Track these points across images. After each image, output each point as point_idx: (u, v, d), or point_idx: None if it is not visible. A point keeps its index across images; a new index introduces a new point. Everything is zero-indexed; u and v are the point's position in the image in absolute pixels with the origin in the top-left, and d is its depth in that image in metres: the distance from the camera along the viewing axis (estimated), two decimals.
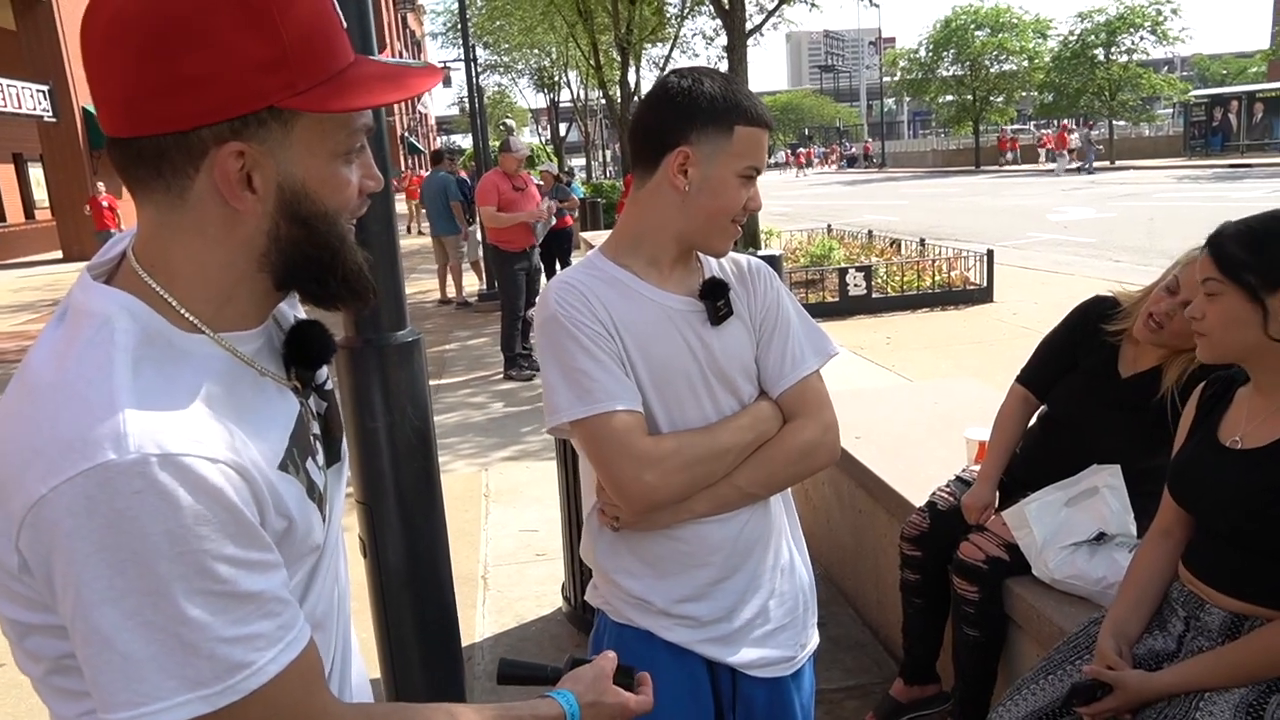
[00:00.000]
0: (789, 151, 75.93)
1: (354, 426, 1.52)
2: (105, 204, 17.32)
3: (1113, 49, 35.82)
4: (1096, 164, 33.49)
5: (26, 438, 0.73)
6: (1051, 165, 37.23)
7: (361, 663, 1.10)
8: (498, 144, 9.16)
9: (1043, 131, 43.09)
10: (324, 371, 1.00)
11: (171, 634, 0.72)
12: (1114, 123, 37.21)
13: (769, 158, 1.50)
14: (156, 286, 0.82)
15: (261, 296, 0.88)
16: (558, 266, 10.40)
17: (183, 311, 0.83)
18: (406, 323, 1.53)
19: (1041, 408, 2.60)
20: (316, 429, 0.96)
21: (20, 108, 19.42)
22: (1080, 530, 2.25)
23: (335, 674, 0.97)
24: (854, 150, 69.67)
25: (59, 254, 21.74)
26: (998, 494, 2.53)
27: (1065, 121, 34.97)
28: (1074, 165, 33.55)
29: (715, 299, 1.47)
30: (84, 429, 0.72)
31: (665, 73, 1.49)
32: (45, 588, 0.74)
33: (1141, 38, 35.31)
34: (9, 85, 18.90)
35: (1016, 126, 58.78)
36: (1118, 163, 35.22)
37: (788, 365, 1.52)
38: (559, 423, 1.41)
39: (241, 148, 0.79)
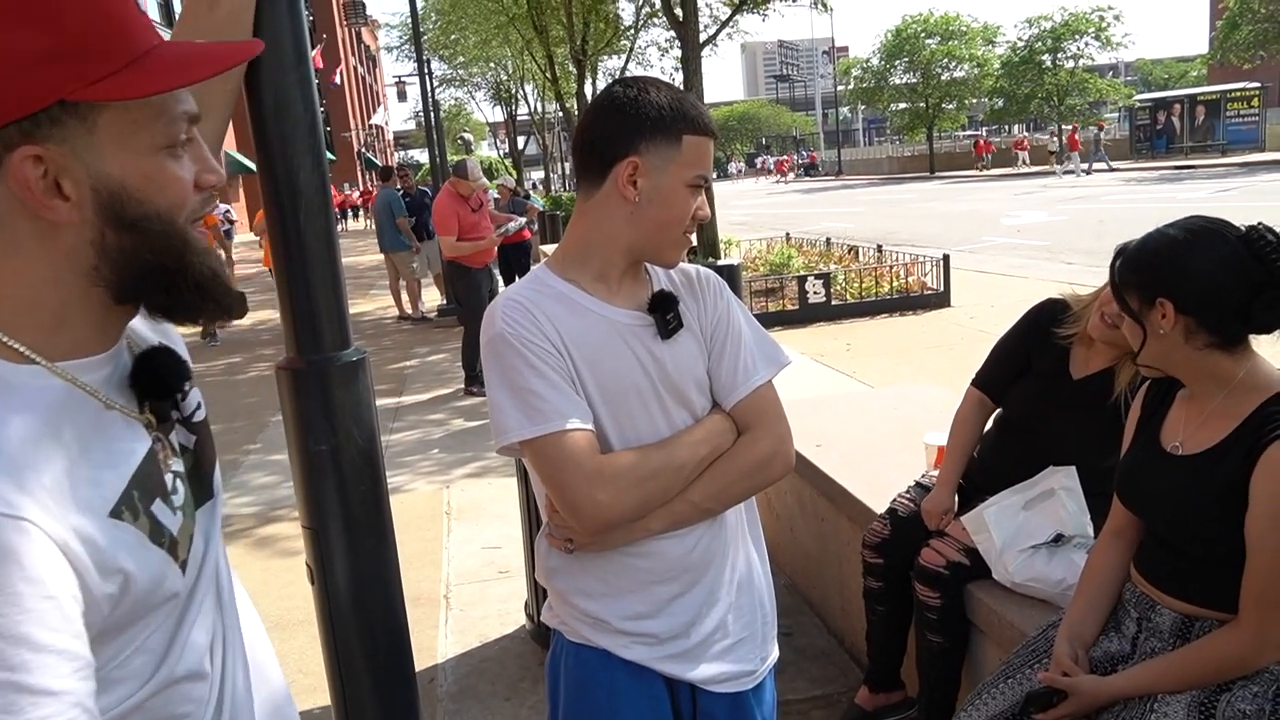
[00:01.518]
0: (766, 159, 76.58)
1: (298, 450, 1.48)
2: None
3: (1059, 55, 36.66)
4: (1096, 166, 33.03)
5: None
6: (1030, 168, 37.05)
7: (279, 696, 1.04)
8: (454, 159, 9.11)
9: (1026, 135, 43.10)
10: (193, 400, 0.92)
11: None
12: (1062, 127, 38.00)
13: (740, 166, 1.48)
14: None
15: (101, 316, 0.81)
16: (516, 279, 10.36)
17: (9, 341, 0.75)
18: (350, 342, 1.50)
19: (997, 411, 2.61)
20: (180, 465, 0.88)
21: None
22: (1038, 533, 2.26)
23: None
24: (811, 159, 70.42)
25: None
26: (957, 498, 2.53)
27: (1075, 123, 35.03)
28: (1082, 166, 32.91)
29: (664, 312, 1.44)
30: None
31: (610, 83, 1.47)
32: None
33: (1086, 44, 36.25)
34: None
35: (969, 132, 59.78)
36: (1050, 166, 36.05)
37: (740, 376, 1.49)
38: (508, 442, 1.38)
39: (37, 150, 0.72)
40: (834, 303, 9.84)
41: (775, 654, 1.64)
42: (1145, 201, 19.80)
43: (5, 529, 0.66)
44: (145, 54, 0.76)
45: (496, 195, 10.68)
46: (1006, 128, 59.87)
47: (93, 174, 0.75)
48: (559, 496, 1.38)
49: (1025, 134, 43.22)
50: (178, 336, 0.97)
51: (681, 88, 1.43)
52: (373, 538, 1.52)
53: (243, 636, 0.98)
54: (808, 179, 59.55)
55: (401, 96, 36.75)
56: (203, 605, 0.88)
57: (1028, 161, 39.48)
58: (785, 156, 73.38)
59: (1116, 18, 35.57)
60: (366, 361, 1.50)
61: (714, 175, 1.50)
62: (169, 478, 0.85)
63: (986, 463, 2.57)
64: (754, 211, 29.62)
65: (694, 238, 1.48)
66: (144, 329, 0.90)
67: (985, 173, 39.60)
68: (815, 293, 9.78)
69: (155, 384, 0.85)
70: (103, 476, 0.77)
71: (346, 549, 1.48)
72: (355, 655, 1.52)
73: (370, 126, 52.54)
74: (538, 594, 3.36)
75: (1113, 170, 31.77)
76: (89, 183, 0.75)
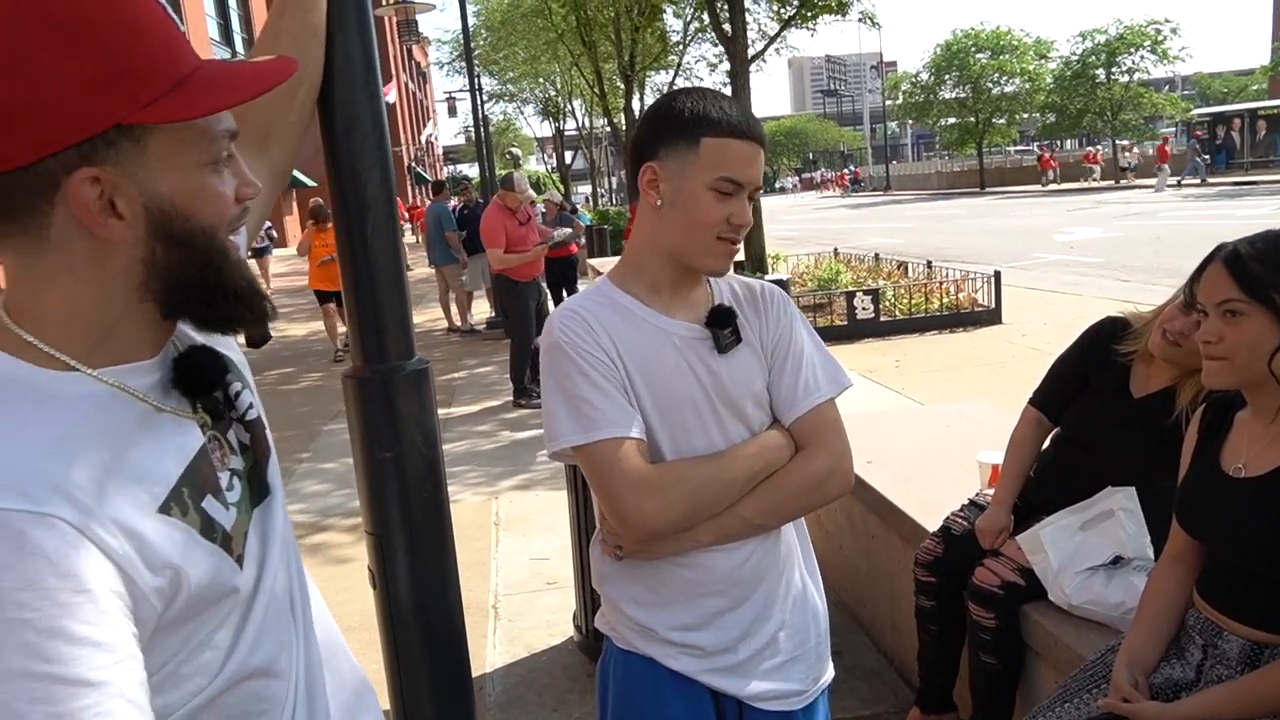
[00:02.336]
0: (828, 172, 76.56)
1: (362, 457, 1.52)
2: None
3: (1113, 69, 35.99)
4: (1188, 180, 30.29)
5: None
6: (1099, 184, 35.40)
7: (359, 685, 1.06)
8: (502, 174, 9.20)
9: (1098, 149, 40.89)
10: (246, 400, 0.95)
11: None
12: (1116, 141, 37.29)
13: (794, 181, 1.47)
14: (21, 332, 0.77)
15: (149, 328, 0.83)
16: (564, 294, 10.43)
17: (52, 352, 0.78)
18: (414, 351, 1.53)
19: (1055, 430, 2.58)
20: (239, 463, 0.90)
21: None
22: (1096, 554, 2.22)
23: None
24: (858, 172, 70.11)
25: None
26: (1012, 518, 2.50)
27: (1165, 134, 33.40)
28: (1171, 180, 30.26)
29: (722, 326, 1.44)
30: None
31: None
32: None
33: (1142, 57, 35.52)
34: None
35: (1020, 147, 58.89)
36: (1120, 181, 35.22)
37: (800, 393, 1.48)
38: (559, 448, 1.40)
39: (95, 173, 0.74)
40: (883, 319, 9.75)
41: (829, 675, 1.62)
42: (1204, 218, 19.35)
43: (31, 526, 0.67)
44: (190, 75, 0.78)
45: (543, 210, 10.77)
46: (1059, 143, 58.97)
47: (144, 193, 0.77)
48: (607, 504, 1.39)
49: (1097, 148, 41.03)
50: (230, 341, 0.99)
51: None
52: (434, 545, 1.55)
53: (318, 635, 1.00)
54: (855, 194, 59.23)
55: (452, 112, 37.32)
56: (270, 602, 0.89)
57: (1099, 177, 37.88)
58: (839, 174, 73.47)
59: (1174, 30, 34.85)
60: (430, 371, 1.53)
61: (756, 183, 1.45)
62: (225, 475, 0.88)
63: (1043, 482, 2.53)
64: (801, 226, 29.50)
65: (738, 245, 1.44)
66: (194, 335, 0.92)
67: (1050, 188, 38.03)
68: (864, 308, 9.71)
69: (194, 381, 0.87)
70: (150, 474, 0.79)
71: (408, 555, 1.51)
72: (415, 660, 1.54)
73: (421, 142, 53.41)
74: (587, 606, 3.37)
75: (1205, 184, 29.40)
76: (141, 201, 0.77)
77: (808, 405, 1.47)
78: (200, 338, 0.92)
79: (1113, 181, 35.66)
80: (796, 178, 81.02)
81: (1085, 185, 36.97)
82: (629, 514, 1.36)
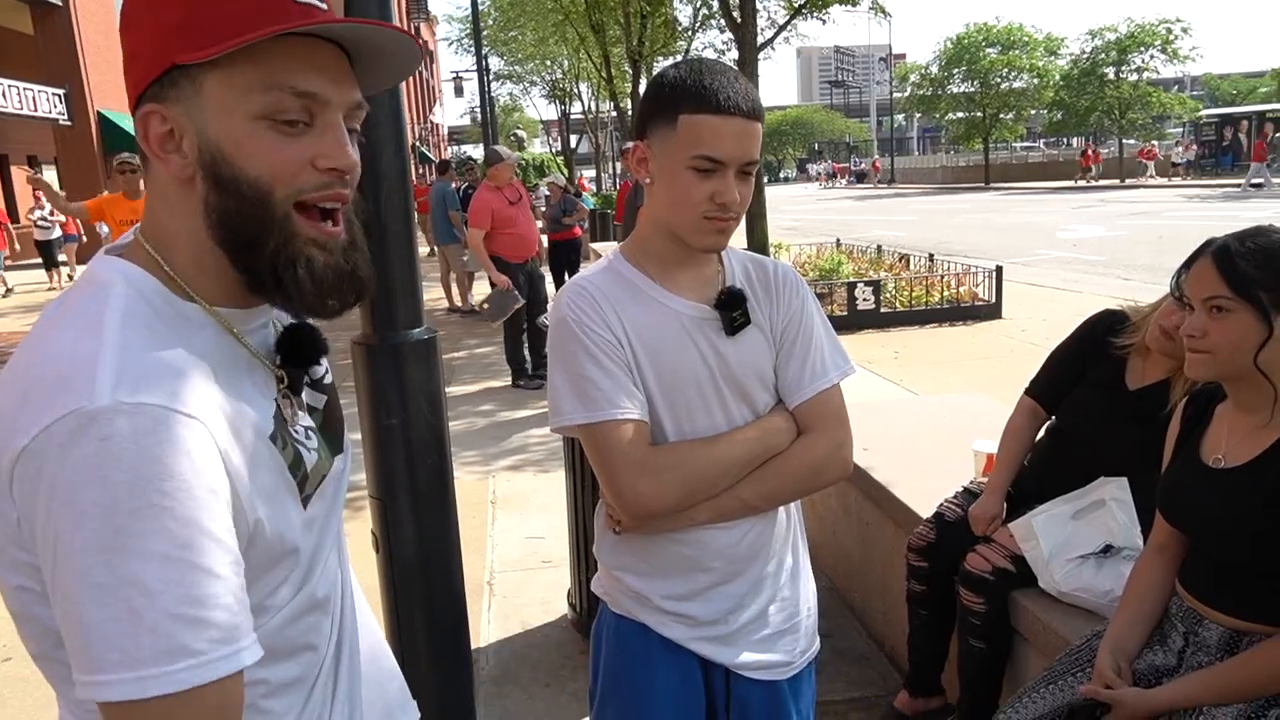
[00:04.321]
0: (833, 163, 76.45)
1: (370, 423, 1.54)
2: None
3: (1123, 67, 35.77)
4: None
5: (20, 389, 0.74)
6: (1154, 181, 33.86)
7: (379, 651, 1.11)
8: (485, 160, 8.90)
9: (1154, 144, 38.50)
10: (322, 365, 1.00)
11: (120, 598, 0.67)
12: (1123, 141, 37.09)
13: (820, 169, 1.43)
14: (155, 255, 0.84)
15: (231, 275, 0.86)
16: (566, 277, 10.41)
17: (177, 278, 0.84)
18: (423, 321, 1.55)
19: (1050, 420, 2.60)
20: (310, 421, 0.95)
21: (36, 110, 19.60)
22: (1087, 543, 2.25)
23: (331, 659, 0.97)
24: (863, 166, 69.91)
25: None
26: (1005, 506, 2.53)
27: (1267, 125, 30.77)
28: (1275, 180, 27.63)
29: (731, 309, 1.44)
30: (67, 378, 0.72)
31: None
32: (33, 543, 0.72)
33: (1152, 56, 35.28)
34: (25, 89, 19.08)
35: (1026, 143, 58.62)
36: (1127, 181, 35.01)
37: (807, 377, 1.49)
38: (561, 425, 1.42)
39: (157, 109, 0.82)
40: (883, 310, 9.76)
41: (815, 648, 1.65)
42: (1208, 219, 19.33)
43: (180, 424, 0.73)
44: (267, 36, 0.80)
45: (547, 193, 10.74)
46: (1065, 140, 58.75)
47: (199, 133, 0.82)
48: (605, 482, 1.42)
49: (1154, 144, 38.54)
50: None
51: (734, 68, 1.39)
52: (438, 510, 1.57)
53: (353, 585, 1.06)
54: (859, 186, 59.05)
55: (458, 92, 37.10)
56: (330, 543, 0.95)
57: (1154, 173, 36.38)
58: (846, 165, 73.49)
59: (1185, 30, 34.60)
60: (437, 341, 1.55)
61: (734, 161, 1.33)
62: (299, 429, 0.93)
63: (1037, 471, 2.56)
64: (804, 217, 29.44)
65: (729, 222, 1.39)
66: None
67: (1094, 184, 36.33)
68: (865, 299, 9.72)
69: (297, 353, 0.93)
70: (255, 405, 0.85)
71: (412, 519, 1.54)
72: (416, 624, 1.57)
73: (426, 121, 53.17)
74: (582, 584, 3.40)
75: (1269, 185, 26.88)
76: (196, 142, 0.83)
77: (813, 390, 1.48)
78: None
79: (1166, 180, 34.54)
80: (829, 162, 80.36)
81: (1140, 182, 35.03)
82: (625, 495, 1.38)
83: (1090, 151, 37.62)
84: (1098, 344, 2.45)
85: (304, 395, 0.96)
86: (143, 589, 0.68)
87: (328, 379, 1.01)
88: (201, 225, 0.84)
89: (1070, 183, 38.39)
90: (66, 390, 0.71)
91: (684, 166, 1.35)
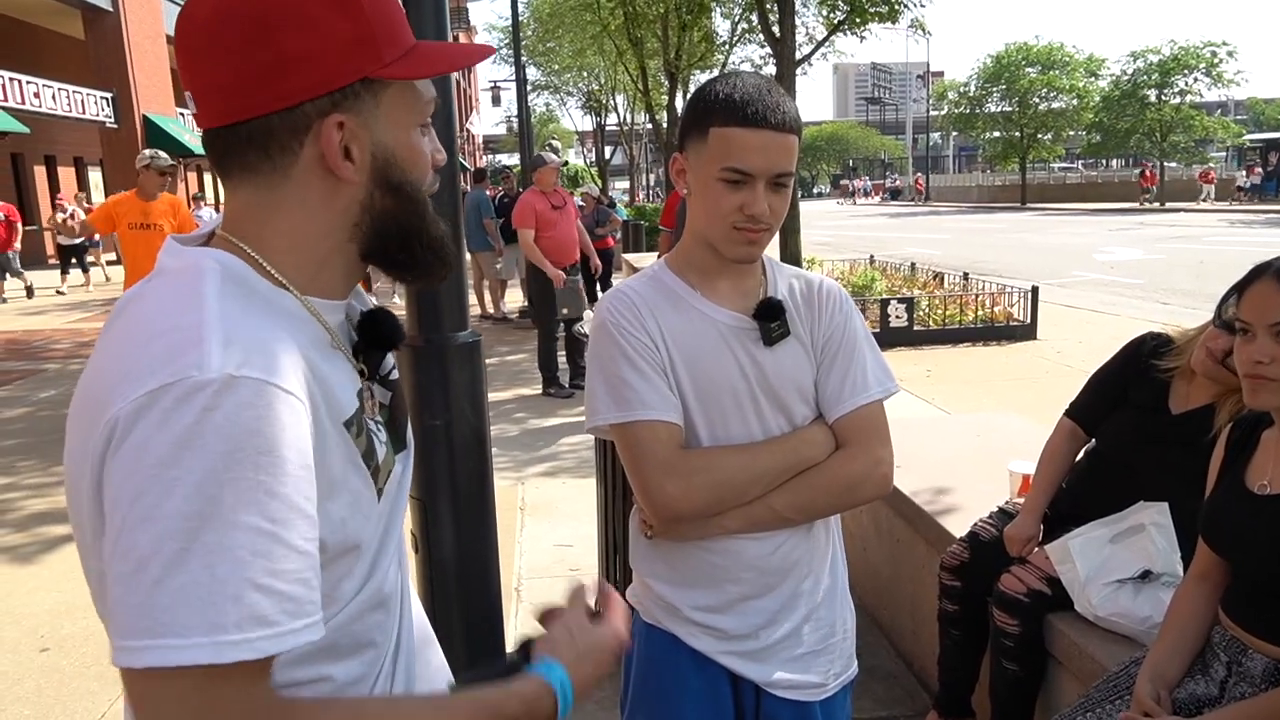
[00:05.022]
0: (863, 181, 76.40)
1: (413, 423, 1.56)
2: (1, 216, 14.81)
3: (1165, 90, 35.31)
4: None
5: (119, 363, 0.75)
6: (1212, 206, 32.59)
7: (431, 651, 1.11)
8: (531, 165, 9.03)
9: (1205, 165, 38.04)
10: (389, 362, 1.03)
11: (205, 564, 0.68)
12: (1165, 165, 36.57)
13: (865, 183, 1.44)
14: (247, 248, 0.86)
15: (350, 267, 0.93)
16: (598, 288, 10.44)
17: (271, 270, 0.86)
18: (468, 324, 1.57)
19: (1090, 443, 2.57)
20: (380, 417, 0.97)
21: (84, 113, 20.03)
22: (1125, 567, 2.22)
23: (390, 659, 0.97)
24: (899, 183, 69.60)
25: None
26: (1041, 527, 2.50)
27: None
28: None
29: (769, 319, 1.45)
30: (171, 349, 0.73)
31: None
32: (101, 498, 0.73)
33: (1195, 79, 34.82)
34: (75, 92, 19.52)
35: (1064, 164, 58.00)
36: (1167, 205, 34.47)
37: (847, 391, 1.48)
38: (595, 425, 1.44)
39: (342, 119, 0.85)
40: (916, 328, 9.69)
41: (853, 672, 1.63)
42: (1250, 245, 19.00)
43: (283, 401, 0.75)
44: (414, 47, 0.90)
45: (581, 203, 10.79)
46: (1104, 162, 58.12)
47: (374, 142, 0.88)
48: (635, 483, 1.43)
49: (1210, 165, 38.07)
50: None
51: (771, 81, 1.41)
52: (478, 512, 1.59)
53: (410, 588, 1.07)
54: (893, 203, 58.75)
55: (495, 101, 37.42)
56: (393, 540, 0.97)
57: (1211, 196, 35.59)
58: (881, 182, 73.61)
59: (1230, 54, 34.13)
60: (481, 345, 1.57)
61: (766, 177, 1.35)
62: (374, 422, 0.94)
63: (1075, 493, 2.53)
64: (838, 233, 29.34)
65: (759, 234, 1.39)
66: (351, 299, 0.99)
67: (1151, 207, 35.14)
68: (897, 317, 9.66)
69: (379, 339, 0.96)
70: (338, 393, 0.87)
71: (453, 521, 1.55)
72: (453, 624, 1.58)
73: (463, 130, 53.70)
74: None
75: None
76: (370, 149, 0.88)
77: (852, 405, 1.47)
78: (355, 301, 0.99)
79: (1228, 203, 33.50)
80: (868, 180, 79.98)
81: (1196, 206, 33.88)
82: (653, 495, 1.39)
83: (1148, 172, 36.89)
84: (1140, 367, 2.42)
85: (375, 390, 0.98)
86: (231, 557, 0.69)
87: (394, 375, 1.03)
88: (343, 225, 0.89)
89: (1111, 205, 37.69)
90: (175, 357, 0.73)
91: (715, 178, 1.37)
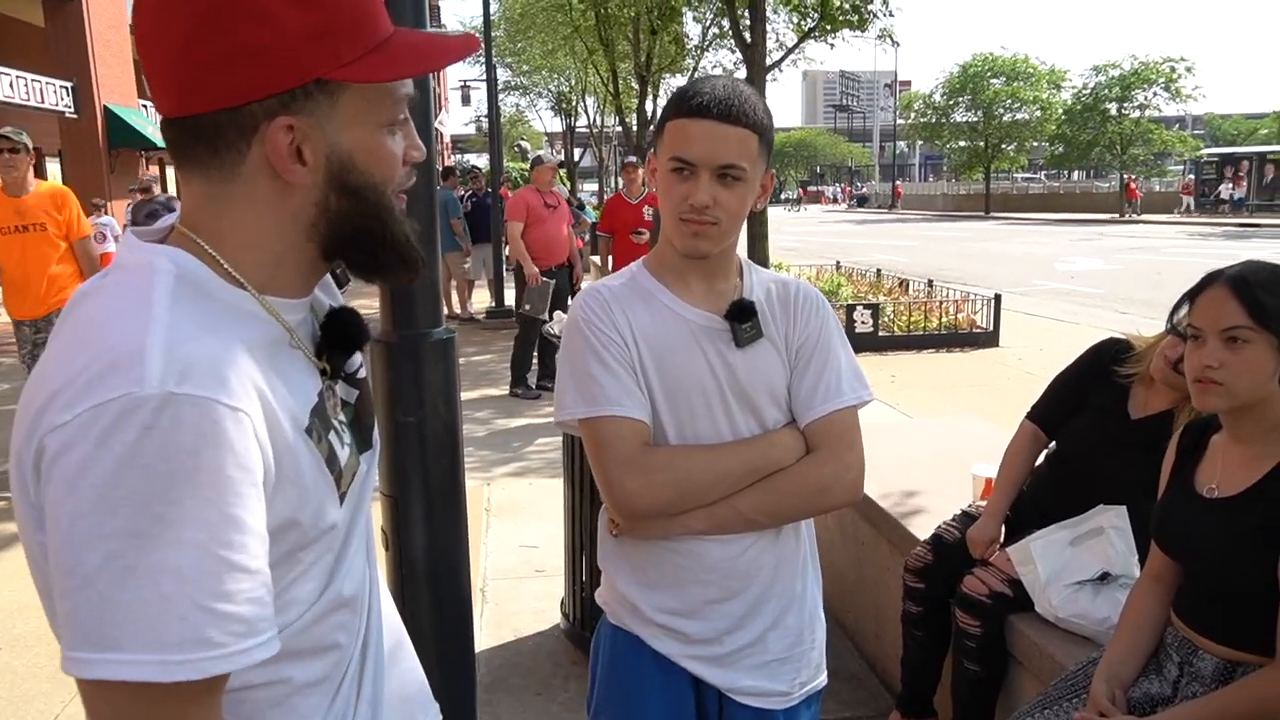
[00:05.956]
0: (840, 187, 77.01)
1: (386, 419, 1.55)
2: None
3: (1125, 103, 35.99)
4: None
5: (63, 368, 0.73)
6: (1193, 219, 32.26)
7: (403, 651, 1.10)
8: (528, 164, 9.03)
9: (1190, 178, 37.95)
10: (356, 359, 1.00)
11: (151, 582, 0.67)
12: (1123, 176, 37.25)
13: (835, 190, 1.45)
14: (204, 244, 0.83)
15: (309, 266, 0.89)
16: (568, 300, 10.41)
17: (228, 268, 0.83)
18: (441, 321, 1.57)
19: (1050, 446, 2.62)
20: (343, 416, 0.95)
21: (43, 103, 19.61)
22: (1085, 569, 2.26)
23: (358, 659, 0.96)
24: (865, 190, 70.24)
25: None
26: (1003, 530, 2.54)
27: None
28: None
29: (741, 320, 1.45)
30: (113, 360, 0.71)
31: None
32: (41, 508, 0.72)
33: (1155, 94, 35.53)
34: (33, 80, 19.11)
35: (1027, 175, 58.88)
36: (1144, 216, 34.85)
37: (819, 397, 1.47)
38: (562, 419, 1.44)
39: (291, 121, 0.80)
40: (881, 334, 9.79)
41: (821, 682, 1.62)
42: (1207, 256, 19.42)
43: (225, 416, 0.72)
44: (387, 40, 0.84)
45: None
46: (1066, 173, 59.03)
47: (329, 145, 0.83)
48: (598, 478, 1.43)
49: (1190, 177, 37.97)
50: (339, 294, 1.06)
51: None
52: (449, 510, 1.58)
53: (380, 582, 1.06)
54: (860, 210, 59.28)
55: (465, 100, 37.23)
56: (357, 542, 0.95)
57: (1192, 208, 35.72)
58: (845, 187, 74.32)
59: (1189, 69, 34.87)
60: (455, 341, 1.56)
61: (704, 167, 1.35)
62: (337, 422, 0.92)
63: (1036, 497, 2.57)
64: (805, 239, 29.54)
65: (704, 226, 1.38)
66: (319, 293, 0.97)
67: (1135, 220, 35.13)
68: (863, 322, 9.75)
69: (343, 338, 0.94)
70: (301, 397, 0.85)
71: (424, 518, 1.54)
72: (423, 623, 1.57)
73: (431, 129, 53.18)
74: (575, 595, 3.40)
75: None
76: (325, 152, 0.83)
77: (824, 410, 1.46)
78: (324, 295, 0.98)
79: (1212, 219, 33.10)
80: (838, 186, 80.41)
81: (1176, 219, 33.88)
82: (615, 490, 1.39)
83: (1132, 185, 37.18)
84: (1101, 371, 2.47)
85: (339, 389, 0.96)
86: (177, 576, 0.68)
87: (361, 373, 1.01)
88: (296, 227, 0.86)
89: (1078, 215, 38.15)
90: (114, 372, 0.71)
91: (666, 170, 1.39)
